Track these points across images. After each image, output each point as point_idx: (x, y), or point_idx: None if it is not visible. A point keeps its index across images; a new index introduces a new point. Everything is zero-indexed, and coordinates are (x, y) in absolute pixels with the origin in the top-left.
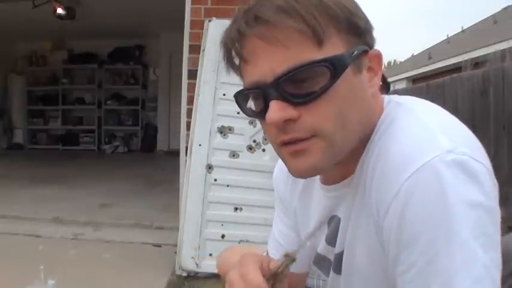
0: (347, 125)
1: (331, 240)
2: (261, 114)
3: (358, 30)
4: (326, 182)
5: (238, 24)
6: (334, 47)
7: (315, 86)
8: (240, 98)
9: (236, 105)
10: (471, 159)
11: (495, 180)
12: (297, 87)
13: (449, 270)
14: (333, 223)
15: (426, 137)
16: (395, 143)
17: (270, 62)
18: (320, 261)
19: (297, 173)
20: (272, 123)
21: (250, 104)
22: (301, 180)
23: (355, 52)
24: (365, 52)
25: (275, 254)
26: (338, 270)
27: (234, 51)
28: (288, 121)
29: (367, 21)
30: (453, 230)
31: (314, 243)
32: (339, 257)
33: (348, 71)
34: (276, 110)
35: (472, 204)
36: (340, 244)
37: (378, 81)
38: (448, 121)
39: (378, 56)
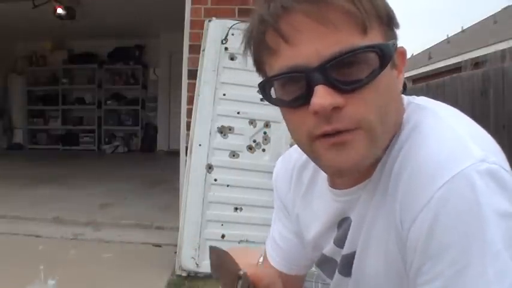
0: (387, 119)
1: (340, 242)
2: (295, 101)
3: (394, 25)
4: (336, 185)
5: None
6: (376, 37)
7: (361, 74)
8: (267, 84)
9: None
10: (502, 168)
11: None
12: (343, 73)
13: (480, 281)
14: (344, 225)
15: (458, 145)
16: (424, 149)
17: (316, 44)
18: (325, 262)
19: (337, 168)
20: (320, 108)
21: (277, 91)
22: (305, 183)
23: (395, 44)
24: (396, 48)
25: (274, 257)
26: (344, 271)
27: (274, 29)
28: (335, 109)
29: (397, 18)
30: (487, 241)
31: (319, 245)
32: (346, 258)
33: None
34: (325, 94)
35: (503, 214)
36: (349, 245)
37: (402, 79)
38: (474, 128)
39: (404, 54)
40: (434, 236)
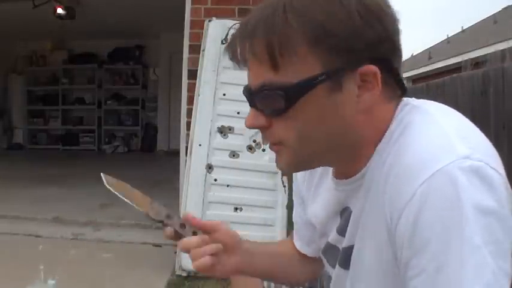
0: (311, 143)
1: (342, 231)
2: None
3: (338, 49)
4: (337, 176)
5: (233, 34)
6: (296, 72)
7: (279, 104)
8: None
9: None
10: (487, 166)
11: (509, 188)
12: (266, 102)
13: (459, 275)
14: (345, 214)
15: (443, 142)
16: (410, 147)
17: (253, 73)
18: (329, 250)
19: (278, 168)
20: (247, 127)
21: None
22: (318, 172)
23: (322, 77)
24: (352, 69)
25: (297, 240)
26: (344, 264)
27: (232, 58)
28: (263, 127)
29: (373, 35)
30: (465, 236)
31: (325, 233)
32: (346, 251)
33: (317, 92)
34: (250, 117)
35: (484, 210)
36: (349, 238)
37: (370, 97)
38: (464, 126)
39: (373, 74)
40: (417, 231)
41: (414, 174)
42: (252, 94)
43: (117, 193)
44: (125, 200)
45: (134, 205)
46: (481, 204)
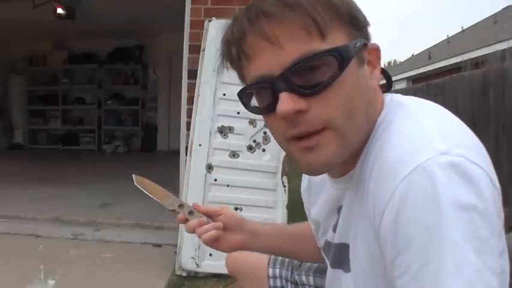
0: (355, 117)
1: (335, 228)
2: (267, 109)
3: (359, 24)
4: (333, 175)
5: (241, 21)
6: (337, 39)
7: (323, 77)
8: (245, 95)
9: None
10: (467, 161)
11: (496, 183)
12: (304, 79)
13: (440, 273)
14: (340, 212)
15: (421, 139)
16: (390, 146)
17: (276, 56)
18: (327, 247)
19: (310, 169)
20: (283, 114)
21: (254, 100)
22: (317, 178)
23: (358, 44)
24: (365, 45)
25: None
26: (335, 262)
27: (237, 49)
28: (299, 113)
29: (364, 16)
30: (444, 233)
31: (324, 230)
32: (337, 248)
33: (352, 63)
34: (288, 101)
35: (465, 206)
36: (339, 234)
37: (377, 75)
38: (447, 123)
39: (377, 50)
40: (399, 229)
41: (394, 171)
42: (286, 75)
43: (143, 190)
44: (148, 194)
45: (155, 198)
46: (461, 200)
